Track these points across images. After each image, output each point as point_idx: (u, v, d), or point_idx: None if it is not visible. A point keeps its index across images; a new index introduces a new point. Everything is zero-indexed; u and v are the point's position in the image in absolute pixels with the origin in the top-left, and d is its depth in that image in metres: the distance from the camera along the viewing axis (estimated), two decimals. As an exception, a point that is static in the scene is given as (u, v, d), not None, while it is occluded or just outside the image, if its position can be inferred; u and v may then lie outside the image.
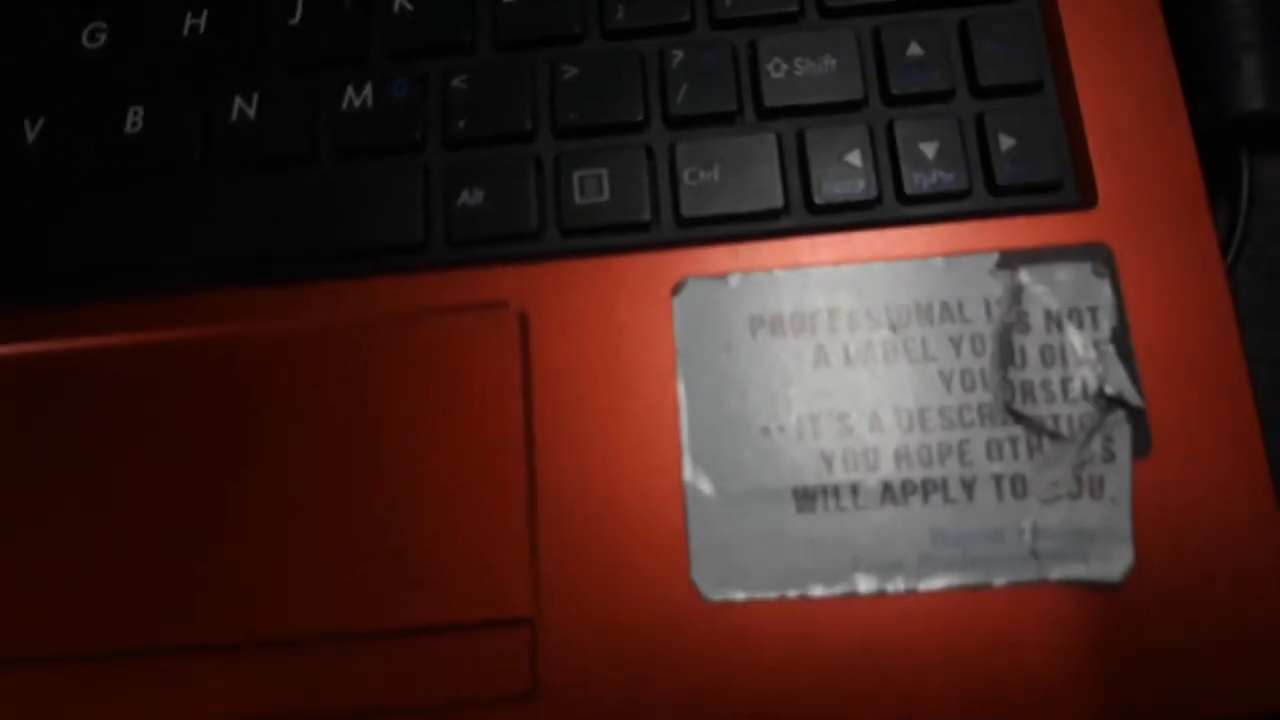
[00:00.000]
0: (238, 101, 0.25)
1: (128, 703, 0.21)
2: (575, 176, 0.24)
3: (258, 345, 0.23)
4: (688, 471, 0.22)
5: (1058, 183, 0.24)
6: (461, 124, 0.25)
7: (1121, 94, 0.24)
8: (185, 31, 0.26)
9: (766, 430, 0.22)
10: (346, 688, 0.21)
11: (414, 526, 0.22)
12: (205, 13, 0.26)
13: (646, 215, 0.24)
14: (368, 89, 0.25)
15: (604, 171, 0.24)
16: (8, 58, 0.26)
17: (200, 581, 0.22)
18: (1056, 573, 0.21)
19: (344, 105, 0.25)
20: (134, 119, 0.25)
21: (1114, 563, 0.21)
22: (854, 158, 0.24)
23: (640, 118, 0.25)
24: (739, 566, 0.22)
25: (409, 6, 0.25)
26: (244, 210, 0.24)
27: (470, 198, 0.24)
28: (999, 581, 0.21)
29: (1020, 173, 0.24)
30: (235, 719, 0.21)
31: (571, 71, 0.25)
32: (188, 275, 0.24)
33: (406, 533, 0.22)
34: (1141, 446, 0.22)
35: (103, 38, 0.26)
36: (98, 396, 0.23)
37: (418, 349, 0.23)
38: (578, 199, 0.24)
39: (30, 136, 0.25)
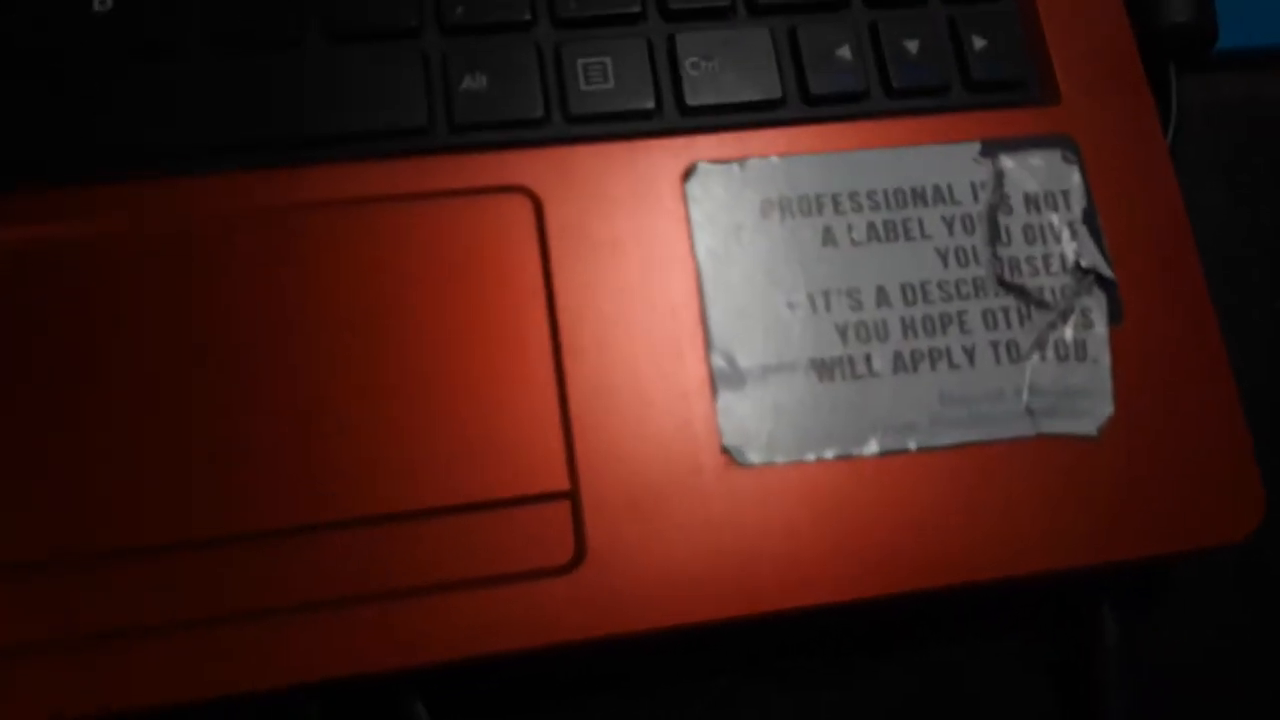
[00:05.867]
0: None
1: (183, 592, 0.20)
2: (579, 64, 0.24)
3: (275, 226, 0.22)
4: (711, 346, 0.23)
5: (1024, 81, 0.26)
6: (460, 10, 0.24)
7: (1074, 11, 0.26)
8: (153, -96, 0.24)
9: (782, 306, 0.23)
10: (396, 567, 0.21)
11: (447, 408, 0.22)
12: (174, -114, 0.24)
13: (651, 103, 0.24)
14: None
15: (608, 60, 0.24)
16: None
17: (247, 469, 0.21)
18: (1047, 427, 0.23)
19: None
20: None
21: (1096, 417, 0.23)
22: (844, 53, 0.25)
23: (638, 10, 0.25)
24: (766, 434, 0.22)
25: (398, -110, 0.25)
26: (235, 93, 0.23)
27: (474, 83, 0.24)
28: (1000, 436, 0.23)
29: (992, 70, 0.26)
30: (288, 603, 0.20)
31: (568, -37, 0.25)
32: (180, 159, 0.23)
33: (440, 415, 0.21)
34: (1115, 314, 0.24)
35: (55, -92, 0.24)
36: (101, 282, 0.21)
37: (433, 232, 0.23)
38: (583, 86, 0.24)
39: (-24, 10, 0.23)
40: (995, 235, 0.24)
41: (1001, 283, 0.24)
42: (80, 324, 0.21)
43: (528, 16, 0.24)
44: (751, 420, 0.22)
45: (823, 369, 0.23)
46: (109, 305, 0.21)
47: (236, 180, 0.22)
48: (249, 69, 0.23)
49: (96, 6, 0.23)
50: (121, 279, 0.21)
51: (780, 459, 0.22)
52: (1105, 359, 0.24)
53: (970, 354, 0.23)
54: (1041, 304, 0.24)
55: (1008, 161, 0.25)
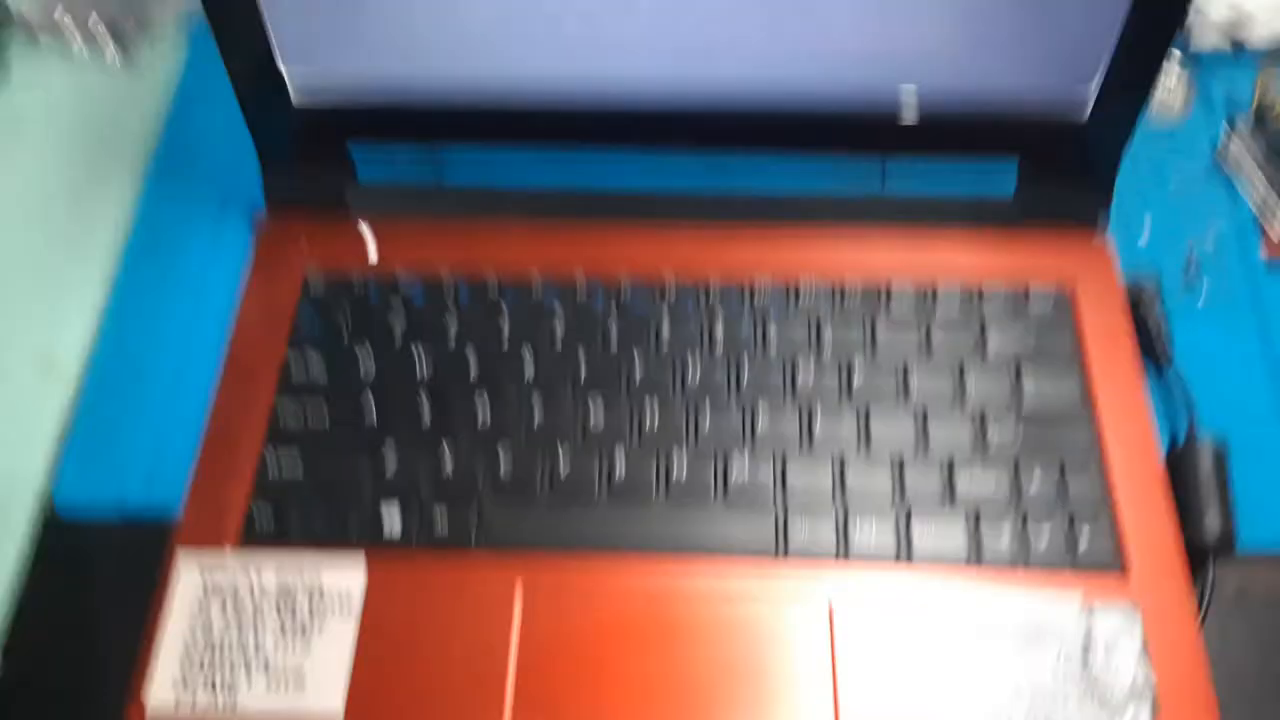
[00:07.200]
0: (618, 463, 0.46)
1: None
2: (856, 520, 0.45)
3: (661, 603, 0.43)
4: None
5: (1109, 560, 0.44)
6: (788, 486, 0.45)
7: (1144, 522, 0.45)
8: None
9: (961, 681, 0.42)
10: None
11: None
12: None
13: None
14: (686, 464, 0.46)
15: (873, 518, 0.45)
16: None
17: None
18: (1114, 776, 0.40)
19: (674, 474, 0.46)
20: (564, 466, 0.46)
21: (1143, 775, 0.40)
22: (1006, 535, 0.45)
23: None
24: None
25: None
26: (624, 520, 0.45)
27: (799, 530, 0.44)
28: (1085, 779, 0.40)
29: (1092, 554, 0.44)
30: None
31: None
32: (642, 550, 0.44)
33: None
34: (1154, 712, 0.41)
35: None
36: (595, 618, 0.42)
37: (760, 617, 0.43)
38: (854, 536, 0.44)
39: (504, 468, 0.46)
40: (1089, 659, 0.42)
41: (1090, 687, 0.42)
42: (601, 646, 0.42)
43: (829, 485, 0.45)
44: (939, 745, 0.40)
45: (980, 722, 0.41)
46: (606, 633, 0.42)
47: (661, 567, 0.43)
48: (628, 510, 0.45)
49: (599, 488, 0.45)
50: (594, 621, 0.43)
51: (952, 771, 0.40)
52: (1151, 741, 0.41)
53: (1072, 732, 0.41)
54: (1113, 706, 0.41)
55: (1098, 615, 0.43)
